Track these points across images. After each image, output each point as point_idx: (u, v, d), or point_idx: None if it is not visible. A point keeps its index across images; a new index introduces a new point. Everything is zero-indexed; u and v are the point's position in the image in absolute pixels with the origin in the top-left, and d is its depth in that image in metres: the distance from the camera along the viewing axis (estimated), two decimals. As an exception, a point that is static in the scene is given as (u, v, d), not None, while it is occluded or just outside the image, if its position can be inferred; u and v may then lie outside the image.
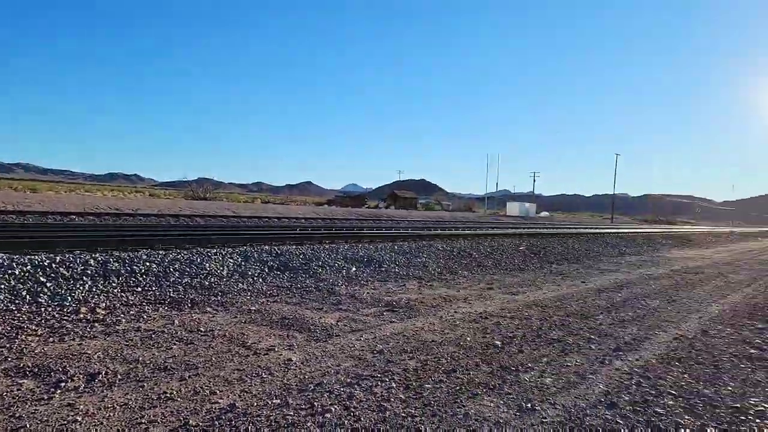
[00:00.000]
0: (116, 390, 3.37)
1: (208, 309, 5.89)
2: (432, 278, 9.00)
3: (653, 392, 3.83)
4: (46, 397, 3.20)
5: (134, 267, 7.11)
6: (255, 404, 3.24)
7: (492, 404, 3.43)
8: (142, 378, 3.61)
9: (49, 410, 3.01)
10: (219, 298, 6.51)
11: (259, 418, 3.02)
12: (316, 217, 31.17)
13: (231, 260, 8.26)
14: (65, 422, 2.87)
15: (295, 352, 4.38)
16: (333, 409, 3.20)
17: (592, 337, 5.40)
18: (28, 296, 5.64)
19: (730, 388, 4.03)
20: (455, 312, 6.26)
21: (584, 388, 3.84)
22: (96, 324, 4.99)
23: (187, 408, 3.13)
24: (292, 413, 3.11)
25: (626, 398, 3.67)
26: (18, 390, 3.30)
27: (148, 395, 3.30)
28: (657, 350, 5.02)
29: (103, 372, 3.67)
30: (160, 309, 5.77)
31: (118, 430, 2.81)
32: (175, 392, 3.36)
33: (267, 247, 9.87)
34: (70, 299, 5.77)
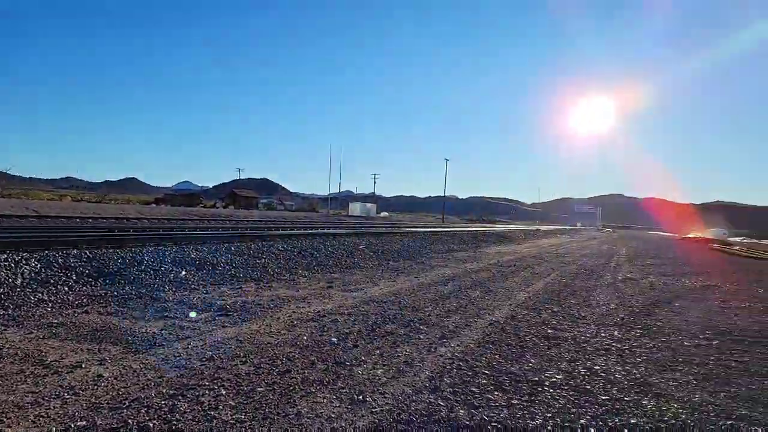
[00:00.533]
0: None
1: (-2, 326, 4.97)
2: (271, 279, 8.81)
3: (470, 373, 4.23)
4: None
5: None
6: (53, 430, 2.81)
7: (325, 400, 3.46)
8: None
9: None
10: (10, 311, 5.53)
11: (58, 447, 2.62)
12: (141, 217, 28.41)
13: (27, 267, 7.08)
14: None
15: (107, 367, 3.91)
16: (151, 425, 2.92)
17: (422, 327, 5.78)
18: None
19: (531, 364, 4.63)
20: (293, 312, 6.20)
21: (412, 375, 4.09)
22: None
23: (-41, 446, 2.59)
24: (101, 436, 2.76)
25: (448, 381, 4.00)
26: None
27: None
28: (475, 336, 5.56)
29: None
30: (-71, 330, 4.71)
31: None
32: (-58, 429, 2.76)
33: (76, 251, 8.65)
34: None
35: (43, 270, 7.15)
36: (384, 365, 4.30)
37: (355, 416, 3.24)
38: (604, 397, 3.84)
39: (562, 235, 45.40)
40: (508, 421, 3.29)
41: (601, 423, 3.36)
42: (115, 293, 6.79)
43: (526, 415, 3.41)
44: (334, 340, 5.01)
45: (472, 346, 5.12)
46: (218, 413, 3.14)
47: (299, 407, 3.32)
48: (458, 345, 5.11)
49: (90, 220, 22.01)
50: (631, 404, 3.73)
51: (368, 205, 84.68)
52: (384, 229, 24.44)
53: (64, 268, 7.40)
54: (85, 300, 6.32)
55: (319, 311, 6.32)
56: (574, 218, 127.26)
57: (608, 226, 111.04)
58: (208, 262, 9.37)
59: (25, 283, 6.58)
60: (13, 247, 8.67)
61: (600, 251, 23.77)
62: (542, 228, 63.81)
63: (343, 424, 3.10)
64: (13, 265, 7.03)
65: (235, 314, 5.93)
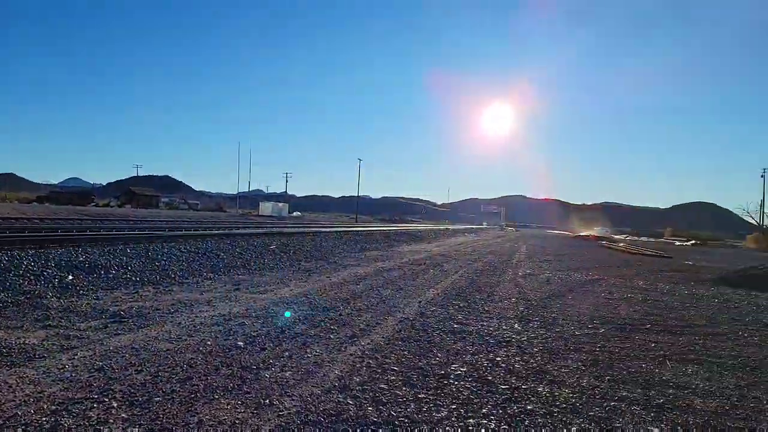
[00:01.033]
0: None
1: None
2: (172, 283, 8.31)
3: (380, 370, 4.27)
4: None
5: None
6: None
7: (229, 406, 3.32)
8: None
9: None
10: None
11: None
12: (21, 217, 25.70)
13: None
14: None
15: (-24, 385, 3.47)
16: (29, 446, 2.63)
17: (332, 327, 5.75)
18: None
19: (438, 358, 4.77)
20: (196, 316, 5.89)
21: (321, 375, 4.04)
22: None
23: None
24: (-36, 463, 2.44)
25: (357, 379, 4.00)
26: None
27: None
28: (385, 333, 5.63)
29: None
30: None
31: None
32: None
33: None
34: None
35: None
36: (292, 367, 4.21)
37: (260, 421, 3.13)
38: (504, 387, 4.04)
39: (470, 234, 47.44)
40: (416, 415, 3.36)
41: (501, 411, 3.54)
42: (-12, 302, 6.04)
43: (432, 408, 3.50)
44: (241, 344, 4.82)
45: (382, 343, 5.17)
46: (108, 427, 2.90)
47: (201, 415, 3.16)
48: (368, 343, 5.14)
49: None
50: (528, 392, 3.97)
51: (280, 204, 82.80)
52: (296, 229, 24.08)
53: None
54: (-51, 311, 5.57)
55: (224, 314, 6.06)
56: (481, 218, 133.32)
57: (511, 225, 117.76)
58: (100, 265, 8.65)
59: None
60: None
61: (503, 249, 25.13)
62: (451, 227, 66.31)
63: (248, 430, 2.99)
64: None
65: (130, 320, 5.51)
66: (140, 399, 3.36)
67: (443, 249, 21.98)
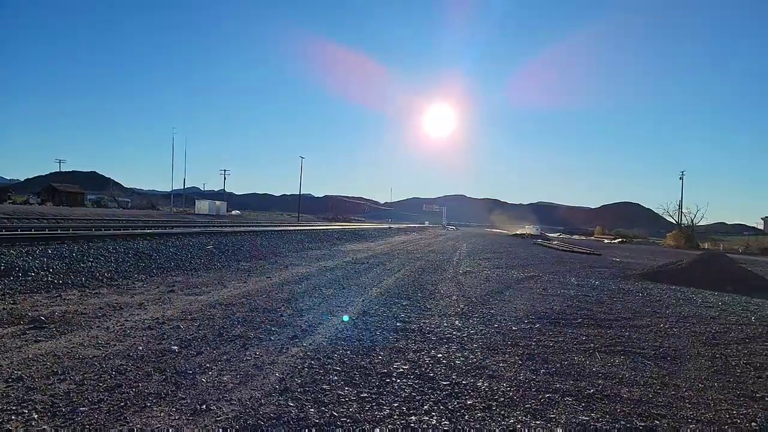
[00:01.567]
0: None
1: None
2: (100, 285, 7.83)
3: (321, 371, 4.22)
4: None
5: None
6: None
7: (163, 413, 3.17)
8: None
9: None
10: None
11: None
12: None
13: None
14: None
15: None
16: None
17: (273, 328, 5.62)
18: None
19: (381, 357, 4.78)
20: (126, 320, 5.58)
21: (261, 378, 3.94)
22: None
23: None
24: None
25: (298, 381, 3.93)
26: None
27: None
28: (328, 333, 5.57)
29: None
30: None
31: None
32: None
33: None
34: None
35: None
36: (231, 371, 4.07)
37: (196, 427, 3.01)
38: (445, 383, 4.11)
39: (412, 232, 48.01)
40: (358, 415, 3.34)
41: (442, 407, 3.59)
42: None
43: (375, 407, 3.50)
44: (175, 348, 4.61)
45: (324, 343, 5.12)
46: (26, 443, 2.68)
47: (131, 424, 2.99)
48: (311, 344, 5.07)
49: None
50: (468, 387, 4.05)
51: (217, 203, 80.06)
52: (235, 229, 23.43)
53: None
54: None
55: (157, 318, 5.78)
56: (423, 217, 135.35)
57: (452, 224, 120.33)
58: (17, 267, 8.02)
59: None
60: None
61: (444, 248, 25.61)
62: (394, 226, 66.79)
63: (183, 438, 2.86)
64: None
65: (52, 326, 5.13)
66: (64, 409, 3.14)
67: (386, 248, 22.11)
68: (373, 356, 4.79)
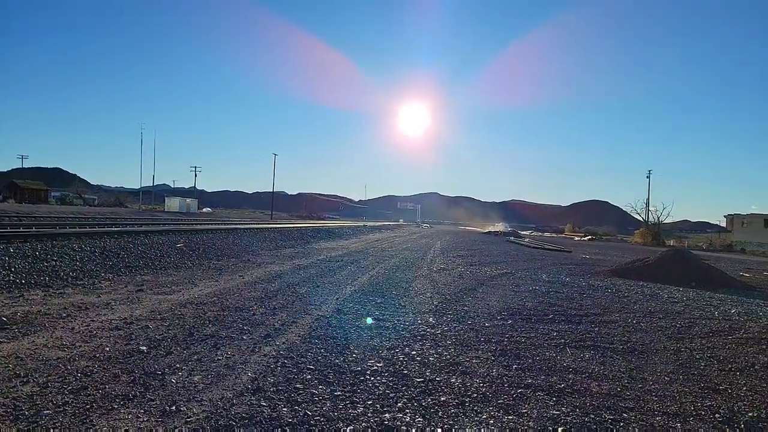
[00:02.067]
0: None
1: None
2: (65, 285, 7.58)
3: (295, 370, 4.18)
4: None
5: None
6: None
7: (131, 415, 3.09)
8: None
9: None
10: None
11: None
12: None
13: None
14: None
15: None
16: None
17: (246, 327, 5.54)
18: None
19: (355, 355, 4.76)
20: (93, 321, 5.41)
21: (233, 378, 3.88)
22: None
23: None
24: None
25: (271, 380, 3.88)
26: None
27: None
28: (301, 332, 5.53)
29: None
30: None
31: None
32: None
33: None
34: None
35: None
36: (202, 371, 4.00)
37: (166, 429, 2.94)
38: (419, 380, 4.12)
39: (387, 230, 48.06)
40: (332, 413, 3.32)
41: (416, 404, 3.59)
42: None
43: (349, 405, 3.48)
44: (144, 348, 4.50)
45: (297, 342, 5.07)
46: (-16, 449, 2.57)
47: (97, 427, 2.91)
48: (284, 342, 5.02)
49: None
50: (442, 383, 4.07)
51: (188, 200, 78.63)
52: (206, 226, 23.00)
53: None
54: None
55: (125, 318, 5.63)
56: (398, 215, 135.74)
57: (426, 222, 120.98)
58: (-22, 267, 7.70)
59: None
60: None
61: (419, 245, 25.72)
62: (369, 224, 66.68)
63: (152, 440, 2.79)
64: None
65: (14, 327, 4.94)
66: (27, 413, 3.03)
67: (361, 245, 22.07)
68: (347, 354, 4.77)
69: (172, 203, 74.90)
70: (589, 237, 71.85)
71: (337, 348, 4.97)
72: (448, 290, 9.51)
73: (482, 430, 3.25)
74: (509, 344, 5.53)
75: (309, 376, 4.06)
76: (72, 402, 3.24)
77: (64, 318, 5.48)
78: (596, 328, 6.67)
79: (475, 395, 3.85)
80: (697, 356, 5.51)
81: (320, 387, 3.83)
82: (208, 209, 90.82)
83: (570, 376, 4.50)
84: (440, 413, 3.45)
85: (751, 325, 7.43)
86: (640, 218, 73.00)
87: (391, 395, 3.73)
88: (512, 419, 3.43)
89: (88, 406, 3.19)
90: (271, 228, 26.28)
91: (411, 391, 3.86)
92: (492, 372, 4.47)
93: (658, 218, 68.59)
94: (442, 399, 3.72)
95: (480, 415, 3.46)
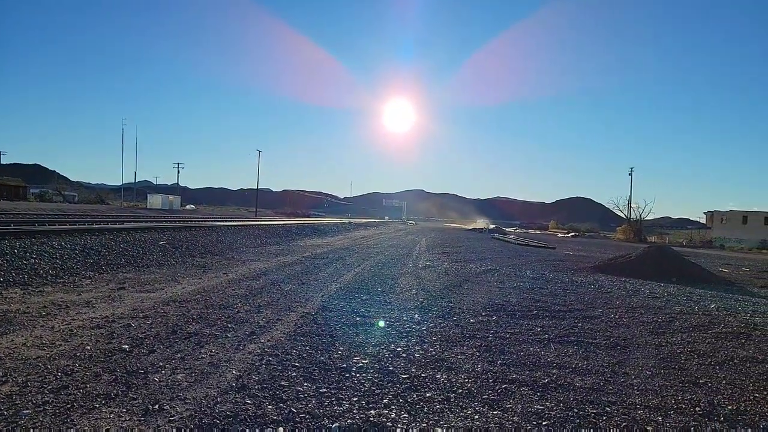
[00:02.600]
0: None
1: None
2: (44, 283, 7.44)
3: (280, 368, 4.16)
4: None
5: None
6: None
7: (112, 414, 3.04)
8: None
9: None
10: None
11: None
12: None
13: None
14: None
15: None
16: None
17: (230, 325, 5.49)
18: None
19: (340, 352, 4.75)
20: (73, 319, 5.32)
21: (217, 376, 3.84)
22: None
23: None
24: None
25: (256, 378, 3.86)
26: None
27: None
28: (286, 329, 5.50)
29: None
30: None
31: None
32: None
33: None
34: None
35: None
36: (186, 369, 3.95)
37: (149, 428, 2.90)
38: (404, 376, 4.13)
39: (372, 227, 48.03)
40: (317, 410, 3.31)
41: (401, 400, 3.60)
42: None
43: (334, 402, 3.47)
44: (126, 347, 4.44)
45: (282, 340, 5.04)
46: (-40, 451, 2.52)
47: (78, 427, 2.86)
48: (269, 340, 4.99)
49: None
50: (427, 380, 4.08)
51: (171, 197, 77.71)
52: (189, 223, 22.74)
53: None
54: None
55: (106, 316, 5.54)
56: (383, 212, 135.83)
57: (412, 219, 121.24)
58: (-45, 265, 7.52)
59: None
60: None
61: (404, 242, 25.76)
62: (354, 221, 66.65)
63: (134, 440, 2.75)
64: None
65: (-8, 326, 4.85)
66: (5, 413, 2.97)
67: (346, 242, 22.04)
68: (333, 351, 4.76)
69: (155, 200, 73.98)
70: (573, 234, 72.71)
71: (322, 345, 4.95)
72: (434, 287, 9.54)
73: (467, 425, 3.27)
74: (494, 340, 5.57)
75: (294, 374, 4.04)
76: (52, 401, 3.18)
77: (43, 316, 5.38)
78: (579, 324, 6.75)
79: (460, 391, 3.87)
80: (678, 351, 5.60)
81: (305, 384, 3.82)
82: (192, 206, 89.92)
83: (554, 371, 4.55)
84: (426, 409, 3.46)
85: (730, 320, 7.59)
86: (622, 215, 74.11)
87: (376, 392, 3.73)
88: (497, 414, 3.45)
89: (69, 406, 3.13)
90: (255, 225, 26.09)
91: (396, 387, 3.86)
92: (477, 368, 4.50)
93: (640, 215, 69.66)
94: (428, 395, 3.73)
95: (465, 411, 3.48)
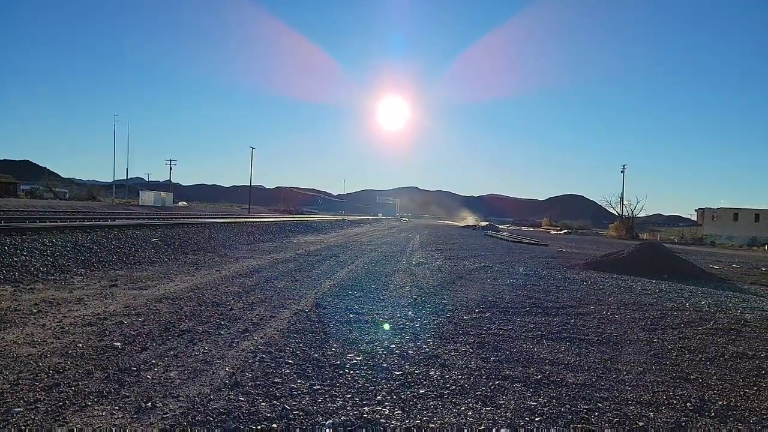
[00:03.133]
0: None
1: None
2: (35, 280, 7.39)
3: (274, 365, 4.15)
4: None
5: None
6: None
7: (105, 412, 3.03)
8: None
9: None
10: None
11: None
12: None
13: None
14: None
15: None
16: None
17: (223, 322, 5.48)
18: None
19: (334, 349, 4.75)
20: (65, 317, 5.29)
21: (210, 373, 3.83)
22: None
23: None
24: None
25: (249, 375, 3.85)
26: None
27: None
28: (280, 326, 5.49)
29: None
30: None
31: None
32: None
33: None
34: None
35: None
36: (179, 366, 3.94)
37: (141, 425, 2.89)
38: (398, 373, 4.13)
39: (366, 224, 48.02)
40: (311, 407, 3.31)
41: (395, 396, 3.61)
42: None
43: (328, 399, 3.48)
44: (118, 344, 4.41)
45: (276, 337, 5.04)
46: (-50, 450, 2.50)
47: (71, 425, 2.84)
48: (262, 337, 4.98)
49: None
50: (420, 376, 4.09)
51: (163, 194, 77.16)
52: (182, 220, 22.65)
53: None
54: None
55: (98, 314, 5.51)
56: (377, 209, 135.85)
57: (405, 216, 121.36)
58: (-56, 263, 7.45)
59: None
60: None
61: (398, 239, 25.78)
62: (348, 218, 66.64)
63: (127, 438, 2.74)
64: None
65: (-18, 324, 4.80)
66: (-6, 412, 2.94)
67: (340, 240, 22.02)
68: (326, 348, 4.76)
69: (147, 197, 73.47)
70: (566, 231, 73.10)
71: (316, 342, 4.95)
72: (427, 284, 9.56)
73: (461, 421, 3.28)
74: (487, 336, 5.59)
75: (288, 371, 4.03)
76: (44, 399, 3.16)
77: (35, 314, 5.34)
78: (572, 320, 6.79)
79: (454, 387, 3.88)
80: (669, 347, 5.65)
81: (299, 381, 3.81)
82: (184, 203, 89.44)
83: (546, 367, 4.57)
84: (419, 406, 3.47)
85: (721, 316, 7.66)
86: (614, 212, 74.52)
87: (370, 388, 3.74)
88: (490, 410, 3.47)
89: (60, 403, 3.11)
90: (248, 222, 26.02)
91: (390, 384, 3.87)
92: (470, 364, 4.51)
93: (632, 212, 70.17)
94: (421, 391, 3.74)
95: (458, 407, 3.49)
